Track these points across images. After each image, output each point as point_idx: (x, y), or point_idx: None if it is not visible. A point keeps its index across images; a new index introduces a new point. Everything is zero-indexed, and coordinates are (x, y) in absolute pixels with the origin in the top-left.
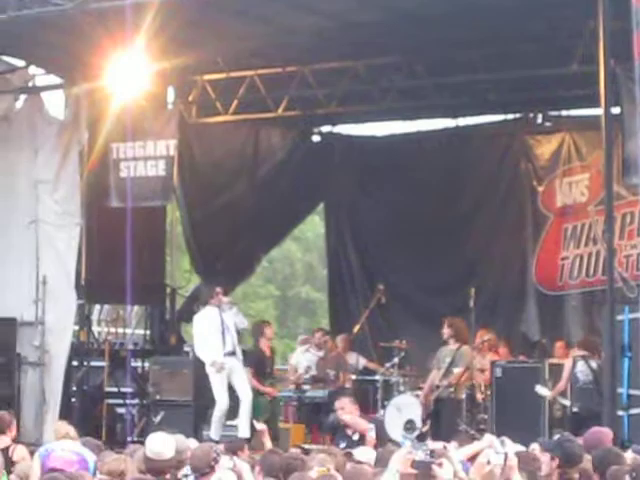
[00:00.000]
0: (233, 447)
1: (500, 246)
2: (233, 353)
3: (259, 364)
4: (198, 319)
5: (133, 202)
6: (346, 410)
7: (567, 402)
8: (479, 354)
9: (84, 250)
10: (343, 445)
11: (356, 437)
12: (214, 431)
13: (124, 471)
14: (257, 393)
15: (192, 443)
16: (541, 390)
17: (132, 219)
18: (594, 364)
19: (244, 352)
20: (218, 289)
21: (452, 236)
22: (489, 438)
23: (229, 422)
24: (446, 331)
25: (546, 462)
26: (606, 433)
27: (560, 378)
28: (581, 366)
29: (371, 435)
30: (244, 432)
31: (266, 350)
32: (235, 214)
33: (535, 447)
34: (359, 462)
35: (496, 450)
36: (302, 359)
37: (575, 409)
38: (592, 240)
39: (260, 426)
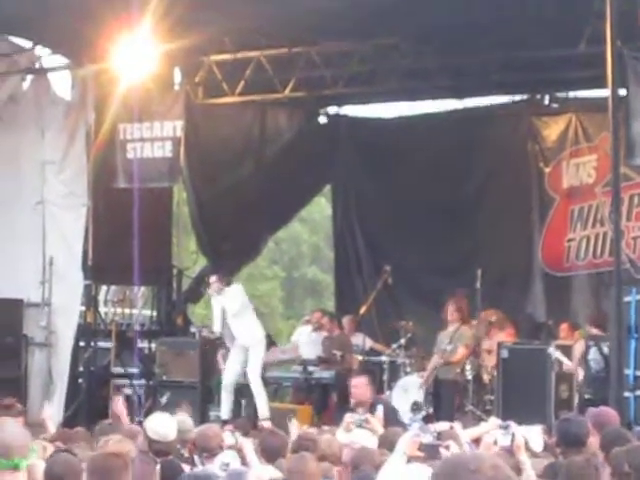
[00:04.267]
0: (243, 427)
1: (507, 227)
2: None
3: None
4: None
5: (140, 183)
6: (360, 390)
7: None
8: (486, 335)
9: (91, 231)
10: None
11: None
12: (224, 410)
13: (129, 452)
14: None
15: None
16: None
17: (139, 200)
18: (606, 349)
19: None
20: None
21: (458, 217)
22: (494, 420)
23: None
24: (450, 311)
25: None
26: (613, 413)
27: (569, 358)
28: (593, 353)
29: (379, 413)
30: (263, 413)
31: None
32: (242, 195)
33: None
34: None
35: (502, 431)
36: (306, 338)
37: (588, 396)
38: (599, 222)
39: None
